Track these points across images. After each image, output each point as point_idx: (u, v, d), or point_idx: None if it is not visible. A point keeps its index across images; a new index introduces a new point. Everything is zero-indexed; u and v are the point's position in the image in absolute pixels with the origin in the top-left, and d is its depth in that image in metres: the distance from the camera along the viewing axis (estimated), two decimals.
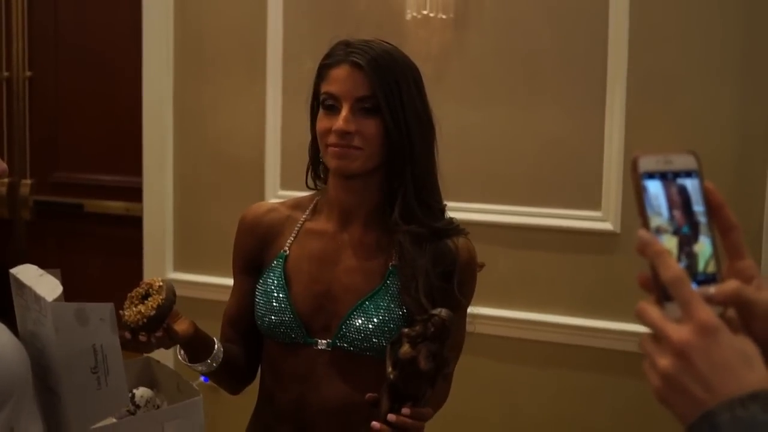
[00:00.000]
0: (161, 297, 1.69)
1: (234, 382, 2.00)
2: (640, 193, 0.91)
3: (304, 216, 1.93)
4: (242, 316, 1.93)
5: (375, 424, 1.61)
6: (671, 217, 0.91)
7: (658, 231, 0.91)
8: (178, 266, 3.92)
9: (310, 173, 1.95)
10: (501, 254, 3.24)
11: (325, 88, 1.82)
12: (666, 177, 0.92)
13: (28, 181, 4.48)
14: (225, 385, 2.00)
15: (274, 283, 1.85)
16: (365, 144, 1.77)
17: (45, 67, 4.42)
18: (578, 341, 3.17)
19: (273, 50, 3.61)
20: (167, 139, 3.88)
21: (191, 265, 3.88)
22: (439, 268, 1.80)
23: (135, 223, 4.05)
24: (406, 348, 1.59)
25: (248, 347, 1.96)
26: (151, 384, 1.69)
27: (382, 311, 1.78)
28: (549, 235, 3.20)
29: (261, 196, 3.62)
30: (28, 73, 4.43)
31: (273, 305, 1.84)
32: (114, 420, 1.45)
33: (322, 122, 1.81)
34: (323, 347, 1.83)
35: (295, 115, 3.58)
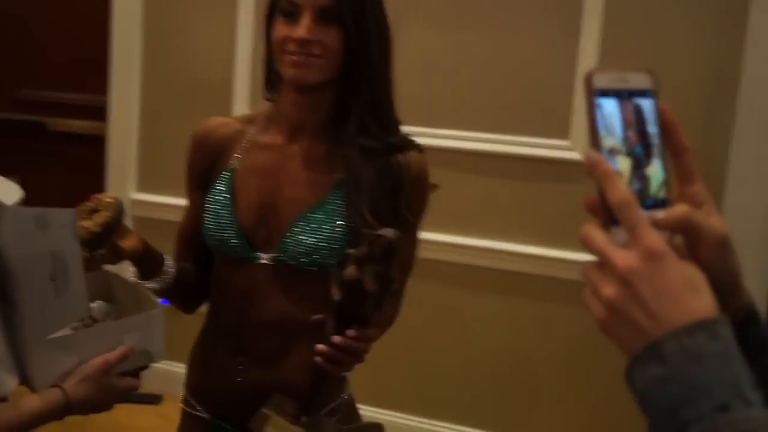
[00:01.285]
0: (108, 214, 1.64)
1: (187, 301, 1.96)
2: (592, 111, 0.86)
3: (254, 130, 1.89)
4: (195, 233, 1.89)
5: (320, 346, 1.59)
6: (625, 138, 0.86)
7: (612, 152, 0.86)
8: (142, 187, 3.87)
9: (266, 85, 1.89)
10: (465, 181, 3.22)
11: None
12: (621, 95, 0.87)
13: None
14: (178, 304, 1.97)
15: (218, 198, 1.82)
16: (325, 53, 1.71)
17: None
18: (537, 270, 3.19)
19: None
20: (135, 57, 3.81)
21: (155, 186, 3.83)
22: (387, 182, 1.76)
23: (98, 142, 3.99)
24: (350, 269, 1.56)
25: (201, 265, 1.92)
26: (108, 298, 1.66)
27: (325, 225, 1.74)
28: (514, 162, 3.19)
29: (229, 115, 3.57)
30: None
31: (217, 221, 1.80)
32: (71, 331, 1.42)
33: (280, 29, 1.73)
34: (266, 261, 1.79)
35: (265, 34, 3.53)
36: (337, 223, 1.74)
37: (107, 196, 1.66)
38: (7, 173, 4.42)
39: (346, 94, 1.76)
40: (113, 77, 3.87)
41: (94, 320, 1.55)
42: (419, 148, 1.82)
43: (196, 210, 1.88)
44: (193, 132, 1.92)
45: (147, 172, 3.86)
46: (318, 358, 1.60)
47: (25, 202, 4.54)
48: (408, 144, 1.81)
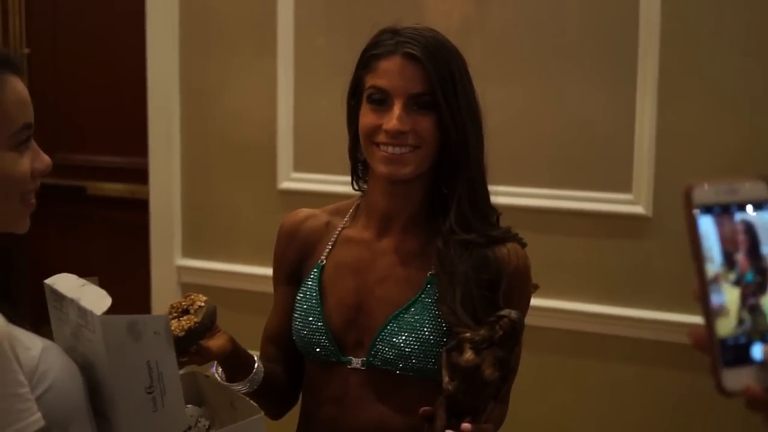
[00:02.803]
0: (196, 320, 1.56)
1: (275, 405, 1.82)
2: (694, 232, 0.77)
3: (343, 223, 1.78)
4: (283, 332, 1.78)
5: None
6: (733, 263, 0.77)
7: (717, 280, 0.76)
8: (187, 252, 3.79)
9: (353, 176, 1.80)
10: (525, 239, 3.12)
11: (372, 81, 1.65)
12: (729, 211, 0.78)
13: None
14: (265, 408, 1.85)
15: (307, 297, 1.71)
16: (420, 143, 1.62)
17: (43, 44, 4.27)
18: (607, 330, 3.06)
19: (283, 25, 3.47)
20: (173, 119, 3.75)
21: (200, 250, 3.75)
22: (483, 275, 1.63)
23: (140, 206, 3.93)
24: (468, 355, 1.43)
25: (290, 367, 1.81)
26: (198, 401, 1.56)
27: (419, 326, 1.61)
28: (576, 219, 3.09)
29: (273, 179, 3.51)
30: (26, 50, 4.27)
31: (306, 322, 1.70)
32: None
33: (369, 118, 1.64)
34: (357, 366, 1.67)
35: (308, 93, 3.47)
36: (433, 323, 1.62)
37: (200, 299, 1.58)
38: (48, 240, 4.37)
39: (441, 183, 1.66)
40: (152, 139, 3.81)
41: (187, 427, 1.47)
42: (520, 241, 1.71)
43: (284, 306, 1.78)
44: (280, 225, 1.84)
45: (192, 237, 3.79)
46: None
47: (69, 269, 4.48)
48: (508, 236, 1.70)
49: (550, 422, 3.18)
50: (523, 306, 1.71)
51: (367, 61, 1.67)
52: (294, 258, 1.79)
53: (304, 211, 1.84)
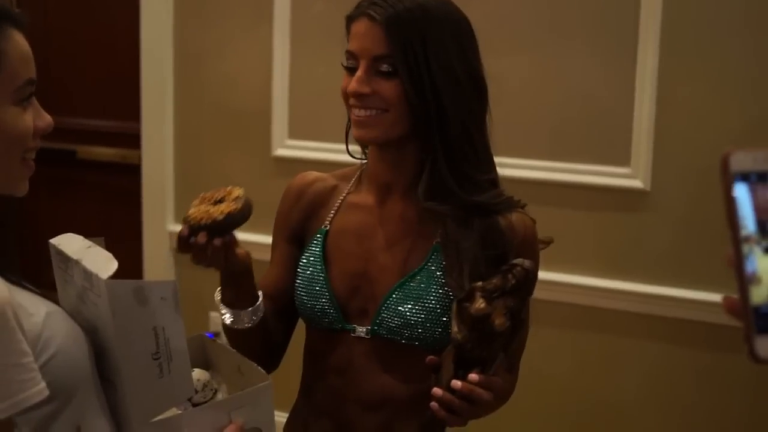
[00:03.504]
0: (236, 206, 1.52)
1: (264, 354, 1.75)
2: (731, 199, 0.76)
3: (348, 187, 1.76)
4: (280, 288, 1.75)
5: (437, 390, 1.43)
6: (764, 230, 0.76)
7: (752, 248, 0.76)
8: (179, 218, 3.73)
9: (346, 142, 1.77)
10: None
11: (348, 46, 1.63)
12: (765, 179, 0.77)
13: None
14: (256, 355, 1.81)
15: (311, 262, 1.68)
16: (387, 106, 1.57)
17: (33, 4, 4.20)
18: (604, 303, 3.06)
19: None
20: (167, 84, 3.71)
21: None
22: (490, 251, 1.59)
23: (132, 171, 3.89)
24: (479, 303, 1.39)
25: (282, 327, 1.78)
26: (205, 365, 1.54)
27: (425, 295, 1.58)
28: (574, 191, 3.07)
29: (267, 146, 3.48)
30: (16, 10, 4.21)
31: (310, 289, 1.67)
32: (176, 411, 1.31)
33: (344, 82, 1.62)
34: (361, 334, 1.64)
35: (304, 60, 3.43)
36: (438, 293, 1.59)
37: (237, 190, 1.55)
38: (39, 203, 4.33)
39: (423, 149, 1.62)
40: (145, 104, 3.77)
41: (194, 391, 1.44)
42: (519, 205, 1.68)
43: (284, 263, 1.75)
44: (287, 186, 1.81)
45: (184, 203, 3.72)
46: (434, 404, 1.43)
47: (57, 232, 4.45)
48: (505, 203, 1.66)
49: (544, 394, 3.17)
50: (533, 257, 1.66)
51: (346, 24, 1.65)
52: (298, 218, 1.76)
53: (313, 174, 1.81)
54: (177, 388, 1.24)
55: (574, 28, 3.02)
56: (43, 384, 1.12)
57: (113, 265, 1.21)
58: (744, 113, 2.80)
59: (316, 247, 1.69)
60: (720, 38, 2.85)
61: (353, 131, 1.62)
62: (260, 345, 1.72)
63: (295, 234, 1.77)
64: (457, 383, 1.41)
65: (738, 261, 0.76)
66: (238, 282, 1.63)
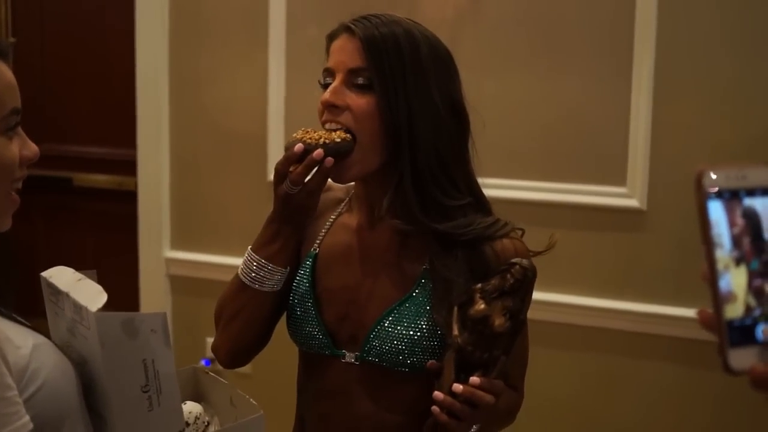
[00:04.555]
0: (348, 136, 1.55)
1: (265, 324, 1.70)
2: (705, 217, 0.78)
3: (341, 207, 1.74)
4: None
5: (438, 394, 1.42)
6: (738, 247, 0.79)
7: (727, 266, 0.78)
8: (176, 244, 3.75)
9: None
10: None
11: (325, 65, 1.62)
12: (738, 196, 0.79)
13: None
14: (256, 325, 1.70)
15: (301, 286, 1.66)
16: (357, 122, 1.54)
17: (30, 32, 4.20)
18: (601, 323, 3.04)
19: (275, 15, 3.44)
20: (162, 110, 3.71)
21: (189, 243, 3.72)
22: (479, 277, 1.53)
23: (128, 198, 3.88)
24: (479, 305, 1.38)
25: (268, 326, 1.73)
26: (197, 397, 1.53)
27: (414, 321, 1.55)
28: (571, 211, 3.06)
29: (263, 171, 3.47)
30: (12, 39, 4.21)
31: (300, 312, 1.65)
32: None
33: (320, 101, 1.61)
34: (351, 360, 1.62)
35: (300, 85, 3.43)
36: (426, 319, 1.56)
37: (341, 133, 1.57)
38: (35, 231, 4.32)
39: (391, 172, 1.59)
40: (140, 130, 3.77)
41: (186, 424, 1.43)
42: (503, 234, 1.63)
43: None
44: None
45: (181, 229, 3.75)
46: (435, 408, 1.42)
47: (55, 262, 4.45)
48: (499, 231, 1.63)
49: (544, 416, 3.15)
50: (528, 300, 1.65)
51: (327, 45, 1.64)
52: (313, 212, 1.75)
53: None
54: (167, 420, 1.22)
55: (569, 48, 3.02)
56: (26, 418, 1.11)
57: (103, 297, 1.20)
58: (739, 132, 2.79)
59: (306, 271, 1.67)
60: (714, 58, 2.84)
61: (330, 172, 1.58)
62: (269, 313, 1.69)
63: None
64: (458, 386, 1.40)
65: (713, 278, 0.78)
66: (289, 237, 1.62)
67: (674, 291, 2.91)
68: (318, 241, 1.70)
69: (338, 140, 1.52)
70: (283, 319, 1.73)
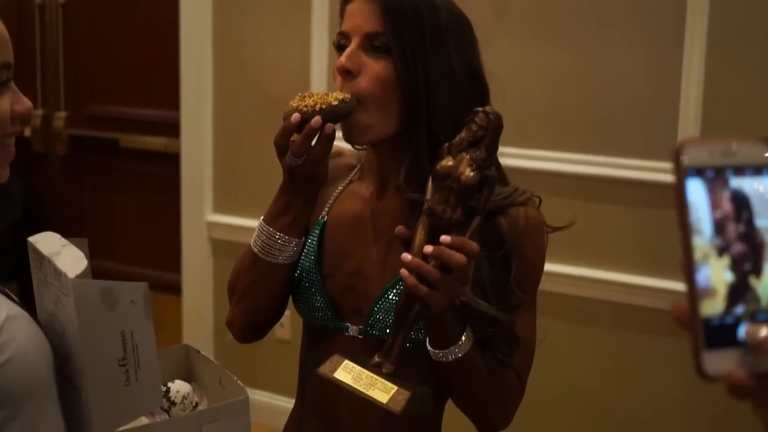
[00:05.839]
0: (347, 96, 1.45)
1: (281, 296, 1.63)
2: (683, 197, 0.68)
3: (352, 174, 1.67)
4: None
5: (406, 255, 1.33)
6: (720, 234, 0.69)
7: (706, 255, 0.69)
8: (218, 207, 3.73)
9: None
10: (560, 206, 2.95)
11: (340, 28, 1.54)
12: (723, 175, 0.68)
13: (62, 114, 4.29)
14: (261, 304, 1.63)
15: (306, 255, 1.59)
16: (371, 87, 1.47)
17: None
18: (646, 302, 2.94)
19: None
20: (206, 72, 3.67)
21: (231, 207, 3.69)
22: (493, 253, 1.48)
23: (173, 160, 3.86)
24: (446, 161, 1.32)
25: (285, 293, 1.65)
26: (188, 376, 1.47)
27: None
28: (616, 186, 2.96)
29: None
30: (61, 0, 4.21)
31: (305, 283, 1.59)
32: (145, 420, 1.24)
33: (334, 65, 1.52)
34: (354, 334, 1.55)
35: None
36: None
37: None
38: (81, 191, 4.34)
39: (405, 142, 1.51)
40: (184, 92, 3.74)
41: (172, 403, 1.38)
42: (524, 202, 1.53)
43: None
44: None
45: (223, 193, 3.72)
46: (403, 271, 1.33)
47: (101, 222, 4.49)
48: (511, 200, 1.52)
49: (581, 394, 3.08)
50: (534, 276, 1.57)
51: (341, 9, 1.56)
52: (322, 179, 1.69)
53: (340, 148, 1.73)
54: (144, 396, 1.17)
55: (618, 18, 2.91)
56: None
57: (83, 264, 1.16)
58: None
59: (313, 240, 1.61)
60: None
61: (342, 130, 1.51)
62: (283, 285, 1.61)
63: None
64: (428, 247, 1.32)
65: (689, 269, 0.68)
66: (302, 207, 1.53)
67: None
68: (326, 209, 1.63)
69: (335, 103, 1.43)
70: None
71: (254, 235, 1.58)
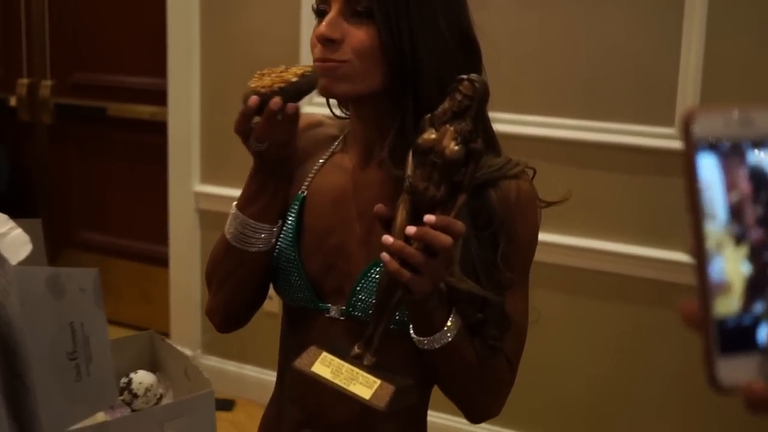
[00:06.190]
0: (308, 69, 1.35)
1: (257, 289, 1.54)
2: (693, 174, 0.59)
3: (334, 144, 1.56)
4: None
5: (387, 237, 1.23)
6: (736, 219, 0.59)
7: (720, 243, 0.59)
8: (206, 178, 3.65)
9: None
10: (556, 173, 2.89)
11: None
12: (740, 149, 0.59)
13: (49, 82, 4.21)
14: (240, 294, 1.54)
15: (286, 237, 1.49)
16: (355, 56, 1.37)
17: None
18: (643, 273, 2.87)
19: None
20: (193, 39, 3.58)
21: (220, 177, 3.60)
22: (483, 231, 1.39)
23: (161, 129, 3.77)
24: (428, 134, 1.22)
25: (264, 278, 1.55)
26: (153, 366, 1.38)
27: None
28: (614, 153, 2.87)
29: None
30: None
31: (282, 261, 1.49)
32: (102, 417, 1.16)
33: (312, 31, 1.42)
34: (335, 315, 1.46)
35: None
36: None
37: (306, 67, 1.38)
38: (68, 160, 4.26)
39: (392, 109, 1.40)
40: (171, 59, 3.65)
41: (134, 396, 1.29)
42: (517, 174, 1.43)
43: None
44: None
45: (211, 163, 3.63)
46: (384, 255, 1.23)
47: (88, 192, 4.42)
48: (502, 172, 1.42)
49: (576, 369, 3.01)
50: (525, 255, 1.46)
51: None
52: (294, 159, 1.59)
53: (318, 117, 1.61)
54: (97, 392, 1.08)
55: None
56: None
57: (27, 249, 1.07)
58: None
59: (292, 216, 1.52)
60: None
61: (320, 82, 1.40)
62: (261, 274, 1.51)
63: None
64: (410, 228, 1.21)
65: (700, 260, 0.59)
66: (274, 192, 1.44)
67: None
68: (306, 183, 1.54)
69: (294, 79, 1.33)
70: None
71: (227, 222, 1.48)
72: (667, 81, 2.75)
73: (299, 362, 1.32)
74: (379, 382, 1.26)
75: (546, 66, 2.93)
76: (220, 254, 1.51)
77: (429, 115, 1.25)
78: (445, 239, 1.21)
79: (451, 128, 1.22)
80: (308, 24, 3.27)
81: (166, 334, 3.84)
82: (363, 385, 1.28)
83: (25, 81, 4.22)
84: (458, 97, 1.23)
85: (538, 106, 2.95)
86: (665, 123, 2.77)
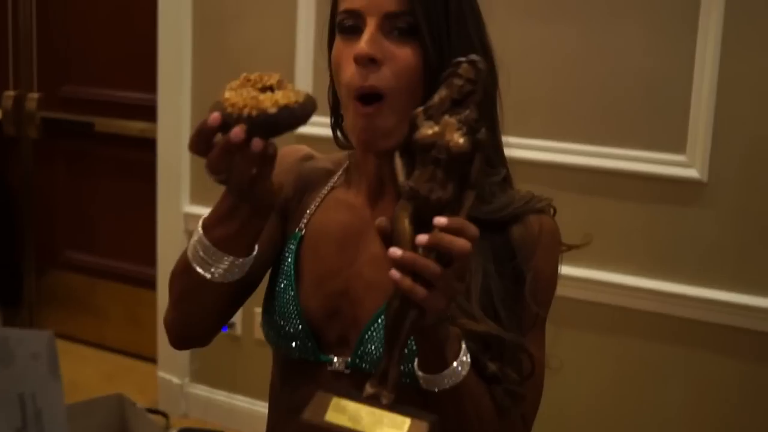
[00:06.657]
0: (296, 99, 1.08)
1: (219, 313, 1.35)
2: None
3: (334, 179, 1.44)
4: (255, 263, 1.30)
5: (395, 250, 1.04)
6: None
7: None
8: (195, 198, 3.52)
9: (335, 129, 1.43)
10: (566, 200, 2.74)
11: (343, 5, 1.29)
12: None
13: (35, 95, 4.09)
14: (194, 319, 1.35)
15: (282, 275, 1.38)
16: (395, 80, 1.24)
17: None
18: (648, 306, 2.75)
19: None
20: (185, 53, 3.47)
21: (210, 197, 3.45)
22: (504, 268, 1.29)
23: (150, 146, 3.65)
24: (426, 129, 1.07)
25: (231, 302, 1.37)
26: (121, 430, 1.26)
27: None
28: (623, 180, 2.75)
29: None
30: None
31: (277, 308, 1.36)
32: None
33: (338, 51, 1.28)
34: (339, 368, 1.33)
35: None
36: None
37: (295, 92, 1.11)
38: (55, 176, 4.14)
39: None
40: (161, 74, 3.53)
41: None
42: (541, 209, 1.34)
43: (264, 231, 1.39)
44: (282, 153, 1.24)
45: (201, 182, 3.51)
46: (393, 272, 1.04)
47: (74, 210, 4.29)
48: (526, 208, 1.33)
49: (584, 402, 2.88)
50: (549, 290, 1.37)
51: None
52: (287, 193, 1.45)
53: (306, 150, 1.49)
54: None
55: None
56: None
57: None
58: None
59: (288, 257, 1.38)
60: None
61: (358, 135, 1.27)
62: (221, 305, 1.33)
63: (283, 208, 1.45)
64: (422, 237, 1.04)
65: None
66: (248, 219, 1.20)
67: (734, 275, 2.61)
68: (305, 221, 1.41)
69: (273, 110, 1.07)
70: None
71: (192, 236, 1.27)
72: (680, 106, 2.64)
73: (309, 415, 1.12)
74: (408, 420, 1.07)
75: (553, 87, 2.82)
76: (180, 267, 1.29)
77: (421, 108, 1.10)
78: (464, 243, 1.04)
79: (453, 119, 1.07)
80: (305, 39, 3.17)
81: (154, 360, 3.71)
82: (393, 428, 1.10)
83: (11, 93, 4.11)
84: (458, 82, 1.08)
85: (545, 129, 2.84)
86: (676, 150, 2.65)
